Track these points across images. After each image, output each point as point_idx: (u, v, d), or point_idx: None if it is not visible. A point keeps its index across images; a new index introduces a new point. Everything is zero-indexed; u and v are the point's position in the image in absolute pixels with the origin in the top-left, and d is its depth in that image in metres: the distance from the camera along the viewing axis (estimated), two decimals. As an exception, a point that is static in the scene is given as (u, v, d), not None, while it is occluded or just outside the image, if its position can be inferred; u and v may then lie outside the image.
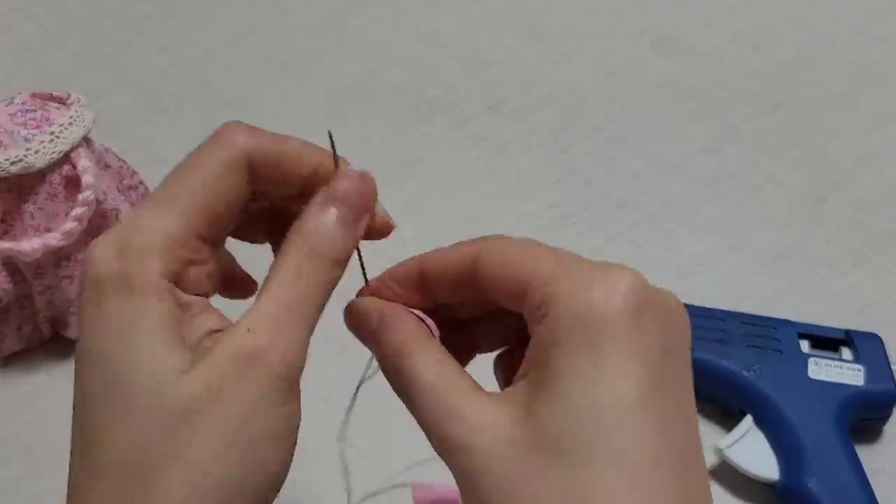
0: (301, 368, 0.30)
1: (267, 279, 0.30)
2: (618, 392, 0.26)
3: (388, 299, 0.33)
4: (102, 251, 0.29)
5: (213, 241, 0.32)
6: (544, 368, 0.27)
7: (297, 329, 0.29)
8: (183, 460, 0.27)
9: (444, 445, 0.28)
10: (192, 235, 0.30)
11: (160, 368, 0.28)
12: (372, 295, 0.33)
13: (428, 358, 0.30)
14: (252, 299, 0.31)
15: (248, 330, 0.29)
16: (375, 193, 0.32)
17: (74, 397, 0.30)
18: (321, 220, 0.31)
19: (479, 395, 0.29)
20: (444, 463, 0.29)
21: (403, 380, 0.30)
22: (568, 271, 0.28)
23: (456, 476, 0.28)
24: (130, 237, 0.30)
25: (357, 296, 0.34)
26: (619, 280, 0.28)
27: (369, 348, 0.33)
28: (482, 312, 0.34)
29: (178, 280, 0.30)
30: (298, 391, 0.30)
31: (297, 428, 0.30)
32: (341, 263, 0.31)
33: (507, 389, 0.29)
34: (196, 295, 0.31)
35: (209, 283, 0.32)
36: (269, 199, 0.33)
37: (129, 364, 0.28)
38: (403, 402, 0.30)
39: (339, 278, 0.31)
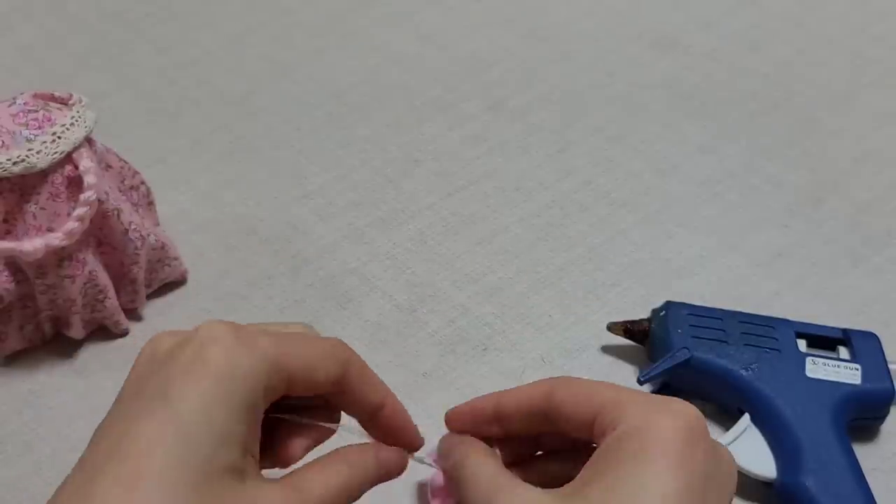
0: None
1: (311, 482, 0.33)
2: (657, 490, 0.30)
3: (461, 431, 0.39)
4: (221, 327, 0.32)
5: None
6: (597, 469, 0.32)
7: None
8: None
9: None
10: (283, 382, 0.33)
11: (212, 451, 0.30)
12: (449, 429, 0.40)
13: (486, 458, 0.36)
14: None
15: None
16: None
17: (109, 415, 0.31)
18: (366, 461, 0.36)
19: (530, 486, 0.33)
20: None
21: (464, 475, 0.35)
22: (634, 399, 0.33)
23: None
24: (252, 332, 0.32)
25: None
26: (681, 409, 0.32)
27: (446, 467, 0.38)
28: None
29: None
30: None
31: None
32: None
33: (558, 489, 0.33)
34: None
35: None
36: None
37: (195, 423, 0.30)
38: (462, 496, 0.35)
39: None
